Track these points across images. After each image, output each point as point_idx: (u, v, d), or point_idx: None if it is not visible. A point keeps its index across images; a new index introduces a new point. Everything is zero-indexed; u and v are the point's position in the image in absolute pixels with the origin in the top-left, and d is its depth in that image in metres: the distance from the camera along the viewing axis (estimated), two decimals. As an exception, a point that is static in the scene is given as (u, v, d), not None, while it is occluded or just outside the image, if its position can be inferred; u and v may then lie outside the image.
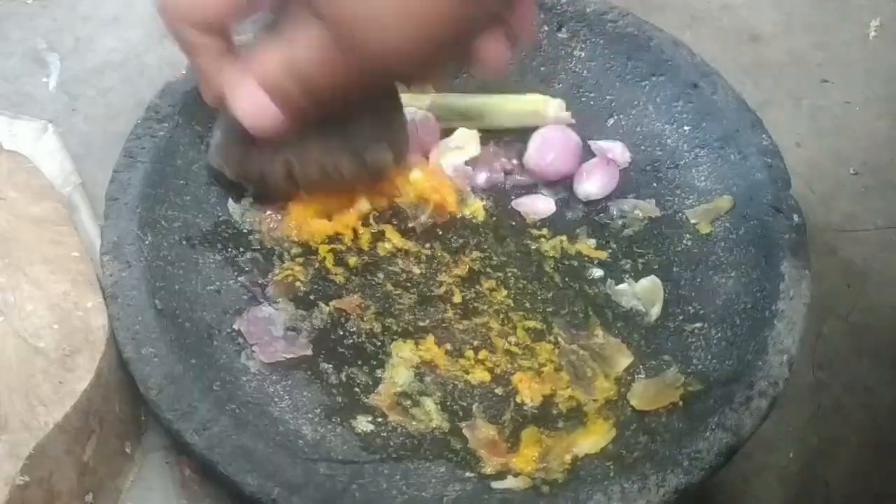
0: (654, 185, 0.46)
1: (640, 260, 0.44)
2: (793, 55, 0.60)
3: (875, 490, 0.42)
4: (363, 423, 0.37)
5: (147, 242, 0.39)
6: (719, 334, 0.40)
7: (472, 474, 0.36)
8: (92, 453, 0.35)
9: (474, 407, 0.38)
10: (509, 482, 0.35)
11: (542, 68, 0.50)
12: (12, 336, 0.35)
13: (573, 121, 0.48)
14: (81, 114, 0.53)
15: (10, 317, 0.35)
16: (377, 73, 0.33)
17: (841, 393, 0.45)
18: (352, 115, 0.38)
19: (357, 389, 0.39)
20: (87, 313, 0.36)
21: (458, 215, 0.45)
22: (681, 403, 0.37)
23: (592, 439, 0.37)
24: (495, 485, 0.35)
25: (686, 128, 0.47)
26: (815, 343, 0.46)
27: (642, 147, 0.48)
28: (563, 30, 0.49)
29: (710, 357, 0.39)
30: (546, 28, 0.49)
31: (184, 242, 0.41)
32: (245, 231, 0.43)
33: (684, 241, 0.44)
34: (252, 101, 0.34)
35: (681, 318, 0.41)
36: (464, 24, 0.31)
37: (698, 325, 0.41)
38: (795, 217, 0.41)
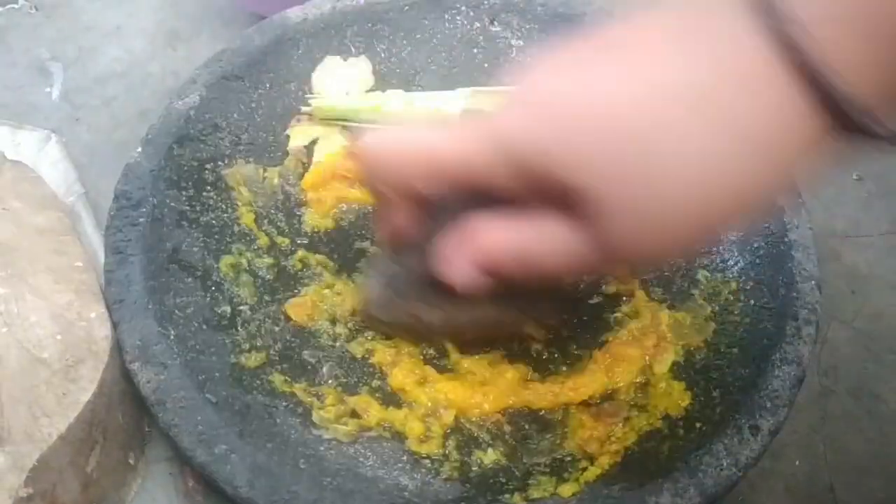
0: None
1: None
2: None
3: (881, 497, 0.42)
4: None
5: (172, 337, 0.37)
6: (743, 277, 0.41)
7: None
8: (95, 464, 0.35)
9: None
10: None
11: (485, 65, 0.50)
12: (15, 346, 0.35)
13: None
14: (84, 123, 0.53)
15: (13, 327, 0.35)
16: (611, 268, 0.31)
17: (847, 399, 0.44)
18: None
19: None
20: (90, 324, 0.36)
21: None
22: (736, 351, 0.38)
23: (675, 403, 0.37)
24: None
25: None
26: (821, 349, 0.46)
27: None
28: (496, 23, 0.50)
29: (743, 299, 0.40)
30: (478, 24, 0.50)
31: (204, 327, 0.39)
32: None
33: None
34: (469, 278, 0.32)
35: (699, 270, 0.42)
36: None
37: (720, 274, 0.41)
38: None
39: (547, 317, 0.40)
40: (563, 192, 0.27)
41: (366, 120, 0.47)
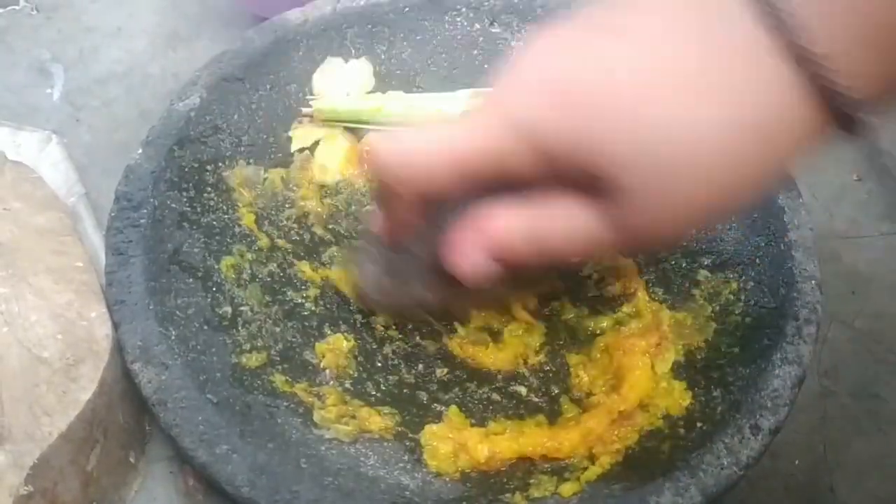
0: None
1: None
2: (795, 62, 0.60)
3: (881, 497, 0.42)
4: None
5: (173, 338, 0.37)
6: (744, 277, 0.41)
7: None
8: (96, 463, 0.35)
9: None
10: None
11: (485, 66, 0.50)
12: (16, 346, 0.35)
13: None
14: (85, 124, 0.53)
15: (13, 326, 0.35)
16: (632, 252, 0.31)
17: (847, 400, 0.44)
18: None
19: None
20: (90, 323, 0.36)
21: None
22: (736, 350, 0.38)
23: (676, 402, 0.37)
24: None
25: None
26: (821, 350, 0.46)
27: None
28: (496, 24, 0.50)
29: (744, 298, 0.40)
30: (478, 26, 0.50)
31: (205, 327, 0.39)
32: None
33: None
34: (479, 267, 0.31)
35: (700, 270, 0.42)
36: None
37: (720, 274, 0.41)
38: None
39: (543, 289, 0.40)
40: (588, 178, 0.27)
41: (367, 121, 0.47)
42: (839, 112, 0.25)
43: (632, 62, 0.26)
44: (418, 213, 0.33)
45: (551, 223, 0.29)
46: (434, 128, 0.32)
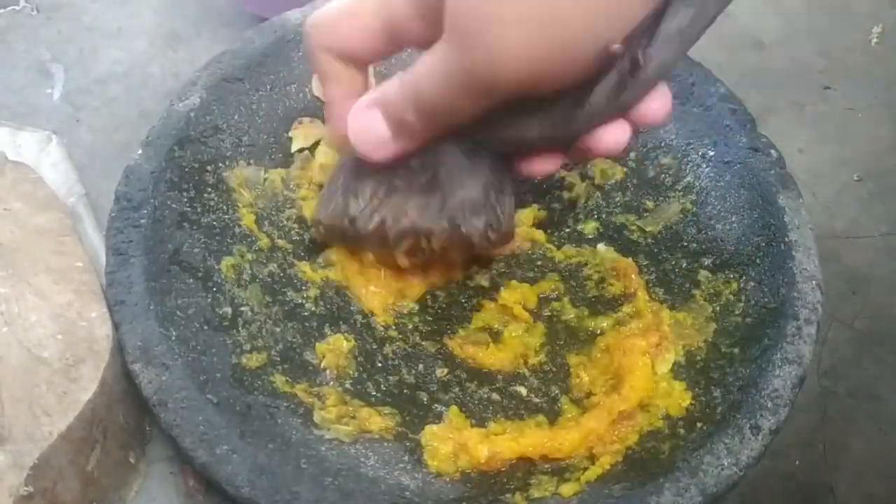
0: (631, 153, 0.47)
1: (635, 225, 0.45)
2: (795, 62, 0.60)
3: (881, 498, 0.42)
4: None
5: (174, 338, 0.37)
6: (744, 277, 0.41)
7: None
8: (96, 463, 0.35)
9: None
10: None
11: None
12: (16, 346, 0.35)
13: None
14: (85, 124, 0.53)
15: (13, 327, 0.35)
16: (490, 99, 0.30)
17: (847, 400, 0.44)
18: (460, 184, 0.36)
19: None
20: (90, 323, 0.36)
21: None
22: (737, 350, 0.38)
23: (676, 403, 0.37)
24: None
25: None
26: (821, 350, 0.46)
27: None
28: None
29: (744, 299, 0.40)
30: None
31: (205, 327, 0.39)
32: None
33: (678, 201, 0.45)
34: (364, 124, 0.33)
35: (700, 270, 0.42)
36: (593, 53, 0.29)
37: (721, 274, 0.41)
38: (773, 152, 0.43)
39: (477, 225, 0.37)
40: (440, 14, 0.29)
41: None
42: None
43: None
44: (353, 102, 0.34)
45: (415, 68, 0.31)
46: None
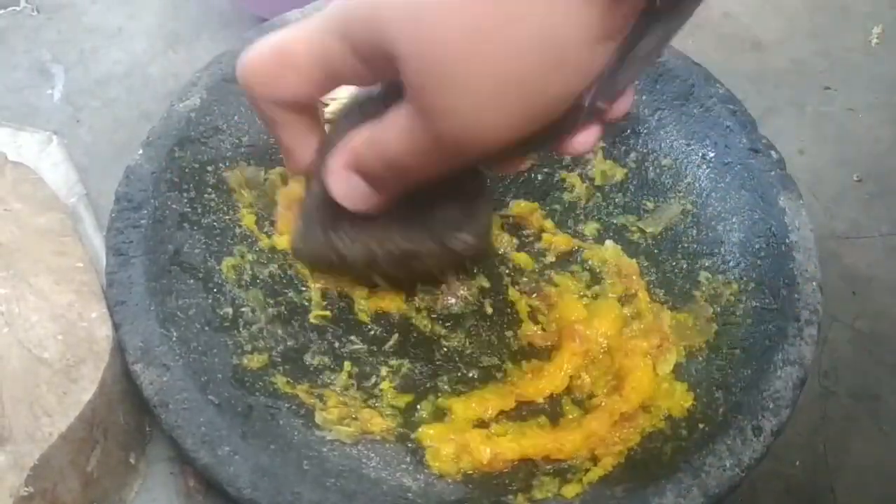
0: (631, 154, 0.47)
1: (636, 226, 0.45)
2: (795, 62, 0.60)
3: (881, 498, 0.42)
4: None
5: (175, 339, 0.37)
6: (745, 278, 0.41)
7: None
8: (96, 464, 0.35)
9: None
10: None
11: None
12: (17, 346, 0.35)
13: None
14: (86, 125, 0.53)
15: (14, 327, 0.35)
16: (462, 160, 0.30)
17: (847, 400, 0.44)
18: (435, 201, 0.36)
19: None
20: (91, 324, 0.36)
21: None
22: (738, 352, 0.38)
23: (678, 404, 0.37)
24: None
25: (643, 96, 0.47)
26: (821, 351, 0.46)
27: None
28: None
29: (745, 300, 0.40)
30: None
31: (206, 328, 0.39)
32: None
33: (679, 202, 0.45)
34: (346, 184, 0.33)
35: (700, 272, 0.42)
36: (560, 121, 0.29)
37: (721, 275, 0.41)
38: (773, 153, 0.43)
39: (464, 239, 0.38)
40: (391, 64, 0.27)
41: None
42: None
43: None
44: (309, 139, 0.34)
45: (383, 129, 0.30)
46: (275, 35, 0.32)
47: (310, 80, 0.31)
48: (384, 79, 0.31)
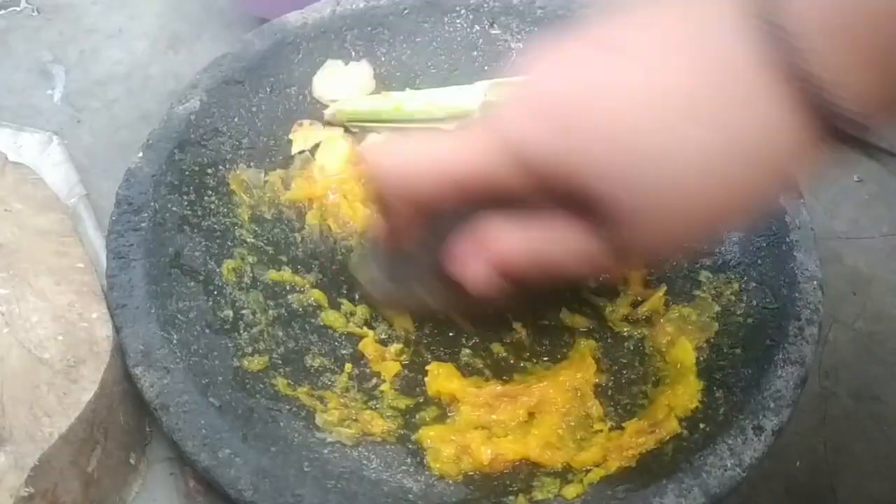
0: None
1: None
2: (795, 63, 0.60)
3: (882, 499, 0.42)
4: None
5: (175, 342, 0.37)
6: (746, 277, 0.41)
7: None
8: (96, 464, 0.35)
9: None
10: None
11: (485, 67, 0.50)
12: (17, 347, 0.35)
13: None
14: (86, 125, 0.53)
15: (14, 328, 0.35)
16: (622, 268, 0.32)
17: (848, 401, 0.44)
18: None
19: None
20: (91, 324, 0.36)
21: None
22: (739, 351, 0.38)
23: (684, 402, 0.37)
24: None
25: None
26: (822, 351, 0.46)
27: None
28: (495, 26, 0.50)
29: (746, 299, 0.40)
30: (478, 27, 0.50)
31: (207, 330, 0.39)
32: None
33: None
34: (482, 276, 0.32)
35: (701, 271, 0.42)
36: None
37: (722, 274, 0.41)
38: None
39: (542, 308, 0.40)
40: (581, 198, 0.28)
41: (388, 120, 0.47)
42: (836, 129, 0.25)
43: (622, 82, 0.27)
44: (417, 221, 0.34)
45: (553, 242, 0.31)
46: (427, 140, 0.33)
47: (446, 190, 0.31)
48: (539, 197, 0.30)
